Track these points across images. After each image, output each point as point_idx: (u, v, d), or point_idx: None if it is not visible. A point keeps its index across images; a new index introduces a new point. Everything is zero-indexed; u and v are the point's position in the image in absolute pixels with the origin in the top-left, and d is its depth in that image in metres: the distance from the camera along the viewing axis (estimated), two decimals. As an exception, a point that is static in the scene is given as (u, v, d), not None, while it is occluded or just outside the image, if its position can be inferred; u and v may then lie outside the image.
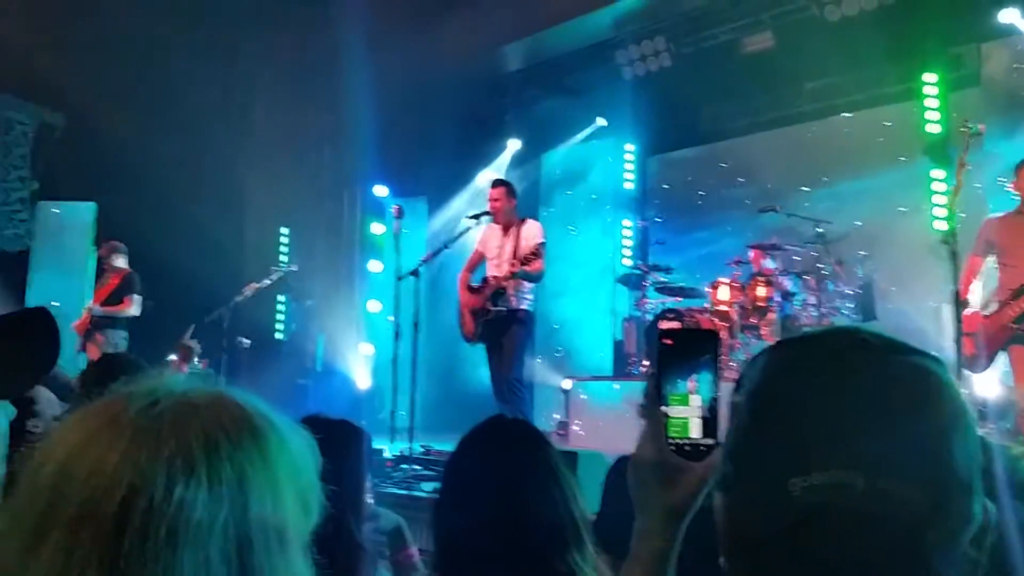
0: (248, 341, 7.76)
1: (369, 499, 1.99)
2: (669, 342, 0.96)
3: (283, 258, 9.45)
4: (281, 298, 9.64)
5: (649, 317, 7.39)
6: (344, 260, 9.57)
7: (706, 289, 6.89)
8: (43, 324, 1.11)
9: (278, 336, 9.74)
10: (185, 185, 7.94)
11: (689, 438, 0.92)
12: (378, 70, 7.78)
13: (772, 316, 6.43)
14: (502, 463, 1.52)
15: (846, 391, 0.67)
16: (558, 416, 7.66)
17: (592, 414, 6.72)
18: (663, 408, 0.94)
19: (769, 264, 6.74)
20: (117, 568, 0.60)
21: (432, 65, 8.15)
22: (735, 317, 6.53)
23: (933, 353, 0.70)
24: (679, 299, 7.37)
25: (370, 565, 1.86)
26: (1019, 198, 4.88)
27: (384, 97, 7.94)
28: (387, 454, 5.71)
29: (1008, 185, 4.98)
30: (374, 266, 9.53)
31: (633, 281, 7.82)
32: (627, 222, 8.94)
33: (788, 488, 0.66)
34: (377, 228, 9.54)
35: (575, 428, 6.79)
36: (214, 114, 8.26)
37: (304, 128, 8.50)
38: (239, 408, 0.69)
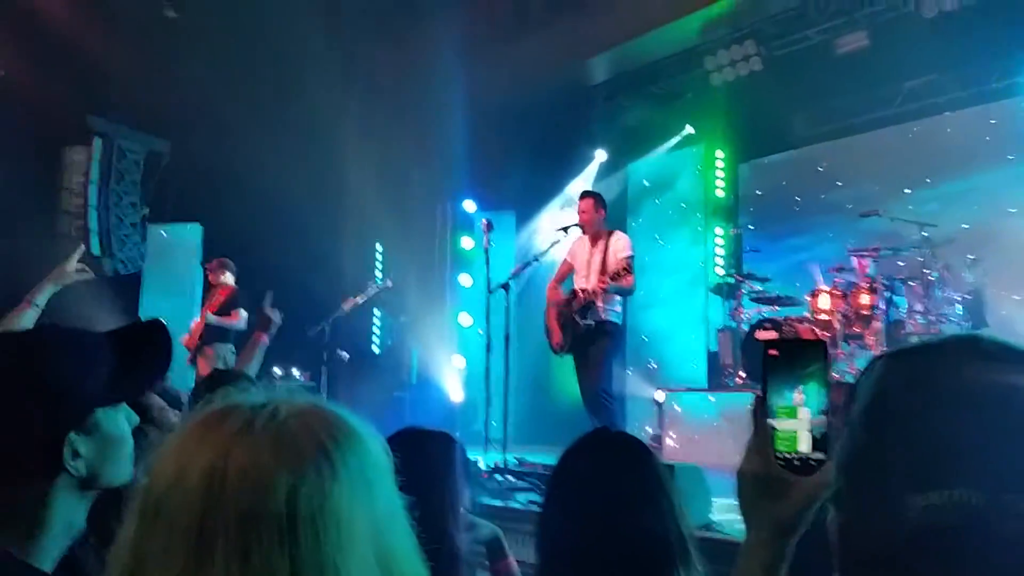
0: (347, 355, 7.98)
1: (467, 509, 2.00)
2: (775, 353, 0.93)
3: (378, 273, 9.70)
4: (377, 313, 9.89)
5: (745, 327, 7.22)
6: (435, 275, 9.75)
7: (806, 297, 6.70)
8: (157, 332, 1.21)
9: (375, 350, 9.99)
10: (284, 204, 8.25)
11: (798, 452, 0.89)
12: (466, 85, 7.91)
13: (877, 324, 6.19)
14: (610, 474, 1.52)
15: (966, 406, 0.65)
16: (651, 429, 7.56)
17: (687, 427, 6.60)
18: (770, 421, 0.91)
19: (872, 270, 6.50)
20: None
21: (518, 79, 8.24)
22: (837, 326, 6.32)
23: None
24: (776, 308, 7.19)
25: (469, 574, 1.88)
26: None
27: (472, 112, 8.07)
28: (481, 465, 5.75)
29: None
30: (464, 280, 9.67)
31: (727, 290, 7.66)
32: (719, 230, 8.79)
33: (905, 507, 0.64)
34: (467, 242, 9.68)
35: (669, 441, 6.68)
36: (309, 134, 8.56)
37: (395, 145, 8.71)
38: (336, 415, 0.76)
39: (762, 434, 0.92)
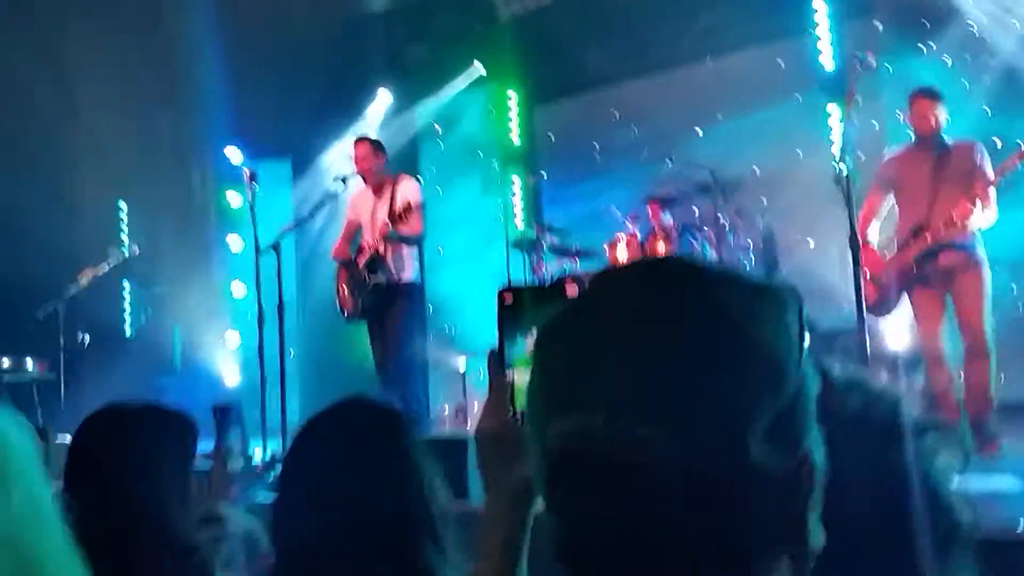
0: (88, 337, 7.49)
1: (225, 500, 1.96)
2: (509, 298, 0.93)
3: (123, 238, 9.11)
4: (126, 285, 9.31)
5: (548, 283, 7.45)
6: (196, 237, 9.24)
7: (604, 247, 7.00)
8: None
9: (126, 329, 9.42)
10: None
11: None
12: (224, 18, 7.55)
13: (673, 274, 6.61)
14: (347, 450, 1.47)
15: (617, 327, 0.65)
16: (449, 403, 7.70)
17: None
18: (508, 374, 0.90)
19: (667, 218, 6.92)
20: None
21: (287, 9, 7.96)
22: (635, 276, 6.69)
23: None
24: (576, 260, 7.46)
25: (212, 571, 1.84)
26: (913, 132, 5.10)
27: (234, 48, 7.72)
28: (258, 458, 5.61)
29: (903, 118, 5.18)
30: (234, 242, 9.23)
31: (527, 244, 7.80)
32: (516, 179, 8.99)
33: (545, 435, 0.65)
34: (233, 197, 9.21)
35: (477, 410, 6.83)
36: (30, 78, 7.83)
37: (138, 88, 8.15)
38: None
39: (498, 389, 0.92)
